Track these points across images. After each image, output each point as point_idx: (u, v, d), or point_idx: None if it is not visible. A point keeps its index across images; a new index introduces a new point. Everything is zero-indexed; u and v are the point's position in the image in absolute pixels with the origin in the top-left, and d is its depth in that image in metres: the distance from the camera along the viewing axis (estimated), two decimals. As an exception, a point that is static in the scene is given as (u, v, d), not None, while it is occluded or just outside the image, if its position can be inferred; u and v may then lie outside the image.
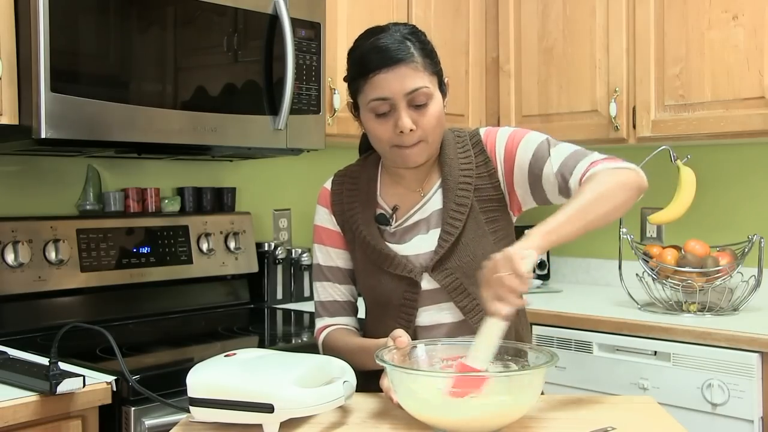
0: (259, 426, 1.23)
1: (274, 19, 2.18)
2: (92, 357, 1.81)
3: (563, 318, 2.47)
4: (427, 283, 1.53)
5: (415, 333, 1.52)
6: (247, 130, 2.15)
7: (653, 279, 2.47)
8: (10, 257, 2.08)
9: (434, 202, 1.56)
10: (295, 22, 2.21)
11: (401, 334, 1.37)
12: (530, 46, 2.91)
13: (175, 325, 2.35)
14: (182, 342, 2.15)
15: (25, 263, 2.10)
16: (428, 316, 1.54)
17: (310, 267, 2.74)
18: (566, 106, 2.81)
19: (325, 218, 1.65)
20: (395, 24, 1.55)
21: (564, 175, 1.47)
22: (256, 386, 1.23)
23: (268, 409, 1.20)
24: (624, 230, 2.54)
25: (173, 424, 1.35)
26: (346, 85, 1.57)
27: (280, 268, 2.73)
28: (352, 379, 1.32)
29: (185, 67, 2.06)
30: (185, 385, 1.27)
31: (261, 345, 2.10)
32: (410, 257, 1.54)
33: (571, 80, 2.80)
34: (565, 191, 1.48)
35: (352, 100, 1.57)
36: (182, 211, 2.53)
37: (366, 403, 1.37)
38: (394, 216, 1.58)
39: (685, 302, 2.41)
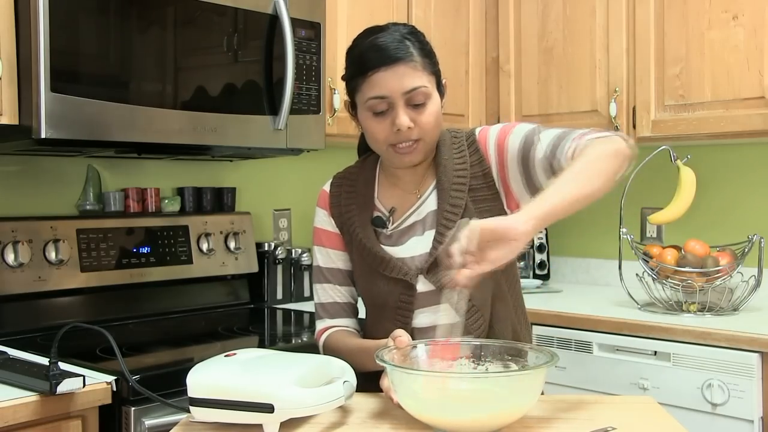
0: (259, 426, 1.23)
1: (274, 19, 2.18)
2: (92, 357, 1.81)
3: (563, 318, 2.47)
4: (422, 285, 1.53)
5: (412, 335, 1.51)
6: (247, 130, 2.15)
7: (653, 279, 2.47)
8: (10, 257, 2.08)
9: (429, 203, 1.56)
10: (295, 22, 2.21)
11: (401, 334, 1.37)
12: (530, 46, 2.91)
13: (175, 325, 2.35)
14: (182, 342, 2.15)
15: (25, 263, 2.10)
16: (424, 317, 1.54)
17: (310, 267, 2.74)
18: (566, 106, 2.81)
19: (324, 220, 1.65)
20: (394, 24, 1.55)
21: (553, 156, 1.45)
22: (256, 386, 1.23)
23: (268, 409, 1.20)
24: (624, 230, 2.54)
25: (173, 424, 1.35)
26: (344, 84, 1.57)
27: (280, 268, 2.73)
28: (352, 379, 1.32)
29: (185, 67, 2.06)
30: (185, 385, 1.27)
31: (261, 345, 2.10)
32: (406, 260, 1.54)
33: (571, 80, 2.80)
34: (554, 170, 1.45)
35: (349, 99, 1.56)
36: (182, 211, 2.53)
37: (366, 403, 1.37)
38: (390, 218, 1.59)
39: (685, 302, 2.41)
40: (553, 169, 1.46)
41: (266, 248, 2.69)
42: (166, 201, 2.49)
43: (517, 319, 1.59)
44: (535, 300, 2.68)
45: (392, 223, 1.58)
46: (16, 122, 1.81)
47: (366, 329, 1.65)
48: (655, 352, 2.27)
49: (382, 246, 1.56)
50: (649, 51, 2.61)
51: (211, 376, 1.27)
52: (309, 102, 2.29)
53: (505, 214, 1.55)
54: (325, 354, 1.59)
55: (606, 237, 3.01)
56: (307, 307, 2.64)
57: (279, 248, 2.71)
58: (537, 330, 2.48)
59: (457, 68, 2.91)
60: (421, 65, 1.48)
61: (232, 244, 2.56)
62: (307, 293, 2.79)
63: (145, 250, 2.36)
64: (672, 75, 2.56)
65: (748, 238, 2.43)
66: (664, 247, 2.53)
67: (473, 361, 1.36)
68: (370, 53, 1.47)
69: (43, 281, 2.14)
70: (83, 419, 1.60)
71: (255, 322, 2.45)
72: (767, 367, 2.09)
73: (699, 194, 2.50)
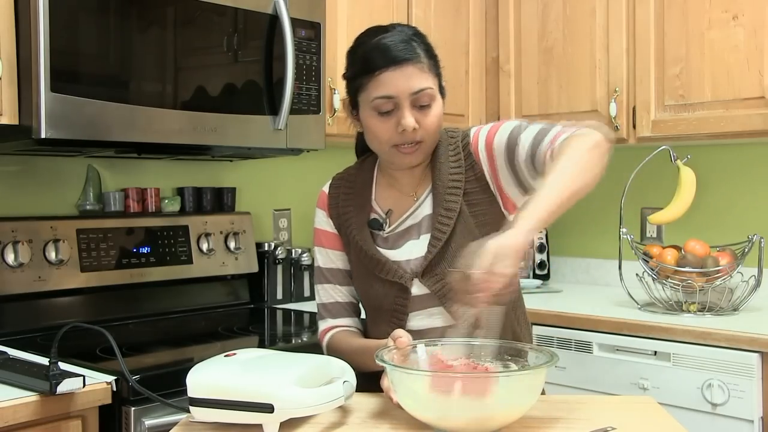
0: (259, 426, 1.23)
1: (274, 19, 2.18)
2: (92, 357, 1.81)
3: (563, 318, 2.47)
4: (417, 289, 1.53)
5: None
6: (247, 130, 2.15)
7: (653, 279, 2.47)
8: (10, 257, 2.08)
9: (425, 207, 1.56)
10: (295, 22, 2.21)
11: (402, 335, 1.37)
12: (530, 46, 2.91)
13: (175, 325, 2.35)
14: (182, 342, 2.15)
15: (25, 263, 2.10)
16: (419, 321, 1.53)
17: (309, 267, 2.74)
18: (566, 106, 2.81)
19: (323, 221, 1.65)
20: (399, 24, 1.54)
21: (534, 156, 1.44)
22: (256, 386, 1.23)
23: (268, 409, 1.20)
24: (624, 230, 2.54)
25: (173, 424, 1.35)
26: (344, 83, 1.56)
27: (280, 268, 2.73)
28: (352, 379, 1.32)
29: (185, 67, 2.06)
30: (185, 385, 1.27)
31: (261, 345, 2.10)
32: (401, 263, 1.54)
33: (571, 80, 2.80)
34: (537, 172, 1.45)
35: (349, 98, 1.55)
36: (182, 211, 2.53)
37: (366, 403, 1.37)
38: (387, 221, 1.58)
39: (685, 302, 2.41)
40: (536, 170, 1.45)
41: (266, 248, 2.69)
42: (166, 201, 2.49)
43: (516, 320, 1.59)
44: (535, 300, 2.68)
45: (389, 226, 1.58)
46: (16, 122, 1.81)
47: (366, 330, 1.65)
48: (655, 352, 2.27)
49: (378, 248, 1.56)
50: (649, 51, 2.61)
51: (211, 376, 1.27)
52: (309, 102, 2.29)
53: (503, 216, 1.55)
54: (328, 354, 1.59)
55: (606, 237, 3.01)
56: (307, 307, 2.64)
57: (279, 248, 2.71)
58: (537, 330, 2.48)
59: (457, 68, 2.91)
60: (428, 66, 1.48)
61: (232, 244, 2.56)
62: (307, 293, 2.79)
63: (145, 250, 2.36)
64: (672, 75, 2.56)
65: (748, 238, 2.43)
66: (664, 247, 2.53)
67: (473, 361, 1.36)
68: (377, 52, 1.47)
69: (43, 281, 2.14)
70: (83, 419, 1.60)
71: (255, 322, 2.45)
72: (767, 367, 2.09)
73: (699, 194, 2.50)
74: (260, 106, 2.18)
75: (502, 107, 2.99)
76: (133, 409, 1.63)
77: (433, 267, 1.51)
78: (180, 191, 2.56)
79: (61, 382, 1.50)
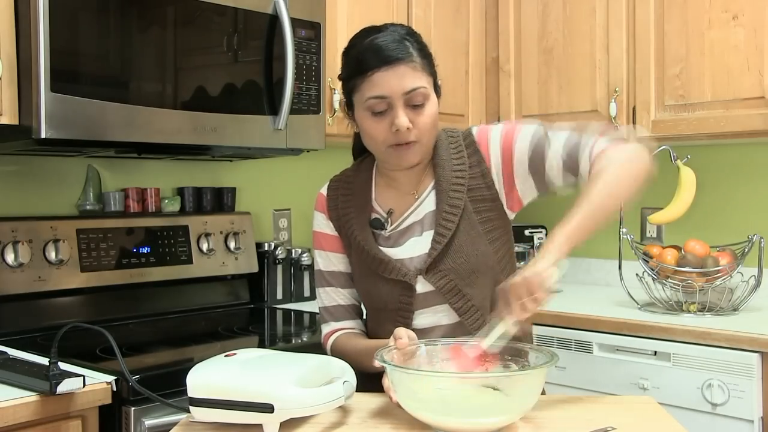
0: (259, 426, 1.23)
1: (274, 19, 2.18)
2: (92, 357, 1.81)
3: (563, 318, 2.47)
4: (421, 286, 1.53)
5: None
6: (247, 130, 2.15)
7: (653, 279, 2.47)
8: (10, 257, 2.08)
9: (428, 203, 1.56)
10: (295, 22, 2.21)
11: (402, 335, 1.37)
12: (530, 46, 2.91)
13: (175, 325, 2.35)
14: (182, 342, 2.15)
15: (25, 263, 2.10)
16: (424, 318, 1.54)
17: (309, 267, 2.74)
18: (566, 106, 2.81)
19: (322, 224, 1.65)
20: (392, 24, 1.54)
21: (571, 158, 1.47)
22: (256, 386, 1.23)
23: (268, 409, 1.20)
24: (624, 230, 2.54)
25: (173, 424, 1.35)
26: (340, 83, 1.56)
27: (280, 268, 2.73)
28: (352, 379, 1.32)
29: (185, 67, 2.06)
30: (185, 385, 1.27)
31: (261, 345, 2.10)
32: (405, 261, 1.54)
33: (571, 80, 2.80)
34: (574, 174, 1.48)
35: (345, 99, 1.56)
36: (182, 211, 2.53)
37: (366, 403, 1.37)
38: (389, 220, 1.58)
39: (685, 302, 2.41)
40: (567, 168, 1.48)
41: (266, 248, 2.69)
42: (166, 201, 2.49)
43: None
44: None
45: (390, 225, 1.58)
46: (16, 122, 1.81)
47: (369, 331, 1.64)
48: (655, 352, 2.27)
49: (381, 248, 1.56)
50: (649, 51, 2.61)
51: (211, 376, 1.27)
52: (309, 102, 2.29)
53: (505, 214, 1.56)
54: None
55: (606, 237, 2.99)
56: (307, 307, 2.64)
57: (279, 248, 2.71)
58: (537, 330, 2.48)
59: (457, 68, 2.91)
60: (421, 66, 1.48)
61: (232, 244, 2.56)
62: (307, 293, 2.79)
63: (145, 250, 2.36)
64: (672, 75, 2.56)
65: (748, 238, 2.43)
66: (664, 247, 2.53)
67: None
68: (370, 53, 1.47)
69: (43, 281, 2.14)
70: (83, 419, 1.60)
71: (255, 322, 2.45)
72: (767, 367, 2.09)
73: (699, 194, 2.50)
74: (260, 106, 2.18)
75: (502, 107, 2.99)
76: (133, 409, 1.63)
77: (437, 263, 1.51)
78: (180, 191, 2.56)
79: (61, 382, 1.50)
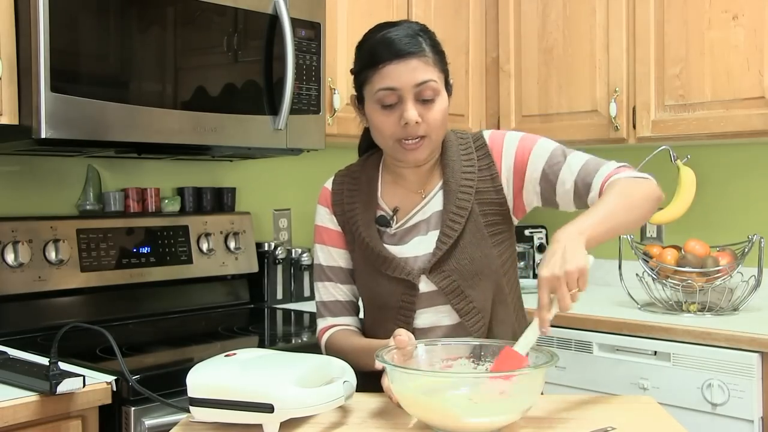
0: (259, 426, 1.23)
1: (274, 19, 2.18)
2: (92, 357, 1.81)
3: (563, 318, 2.46)
4: (424, 286, 1.53)
5: (413, 335, 1.51)
6: (247, 130, 2.15)
7: (653, 279, 2.47)
8: (10, 257, 2.08)
9: (435, 203, 1.56)
10: (295, 22, 2.21)
11: (401, 334, 1.36)
12: (530, 46, 2.91)
13: (175, 325, 2.35)
14: (182, 342, 2.15)
15: (25, 263, 2.10)
16: (426, 318, 1.54)
17: (310, 267, 2.74)
18: (566, 106, 2.81)
19: (325, 218, 1.64)
20: (407, 20, 1.56)
21: (584, 179, 1.48)
22: (256, 386, 1.23)
23: (268, 409, 1.20)
24: (624, 230, 2.53)
25: (173, 424, 1.35)
26: (351, 79, 1.56)
27: (280, 268, 2.73)
28: (352, 379, 1.32)
29: (185, 67, 2.06)
30: (185, 385, 1.27)
31: (261, 345, 2.10)
32: (408, 259, 1.54)
33: (571, 80, 2.80)
34: (582, 195, 1.49)
35: (356, 93, 1.56)
36: (182, 211, 2.53)
37: (366, 403, 1.37)
38: (394, 218, 1.58)
39: (685, 302, 2.41)
40: (576, 194, 1.49)
41: (266, 248, 2.69)
42: (166, 201, 2.49)
43: (517, 323, 1.59)
44: (535, 300, 2.67)
45: (396, 223, 1.58)
46: (16, 122, 1.81)
47: (366, 330, 1.64)
48: (655, 352, 2.27)
49: (385, 245, 1.56)
50: (649, 51, 2.61)
51: (211, 376, 1.27)
52: (309, 102, 2.29)
53: (510, 219, 1.58)
54: (327, 353, 1.59)
55: (606, 237, 3.01)
56: (307, 307, 2.64)
57: (279, 248, 2.71)
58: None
59: (457, 68, 2.91)
60: (433, 61, 1.49)
61: (232, 244, 2.56)
62: (307, 293, 2.79)
63: (145, 250, 2.36)
64: (672, 75, 2.56)
65: (748, 238, 2.43)
66: (664, 247, 2.53)
67: (473, 361, 1.36)
68: (382, 46, 1.47)
69: (43, 281, 2.14)
70: (83, 419, 1.60)
71: (255, 322, 2.45)
72: (767, 367, 2.09)
73: (699, 194, 2.50)
74: (260, 106, 2.18)
75: (502, 107, 2.99)
76: (133, 409, 1.63)
77: (441, 264, 1.51)
78: (180, 191, 2.56)
79: (61, 382, 1.50)
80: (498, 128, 2.95)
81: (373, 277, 1.57)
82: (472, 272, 1.51)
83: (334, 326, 1.63)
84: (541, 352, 1.30)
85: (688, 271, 2.39)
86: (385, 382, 1.34)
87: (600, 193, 1.45)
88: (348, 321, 1.64)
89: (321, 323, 1.65)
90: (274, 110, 2.19)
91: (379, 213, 1.59)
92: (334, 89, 2.44)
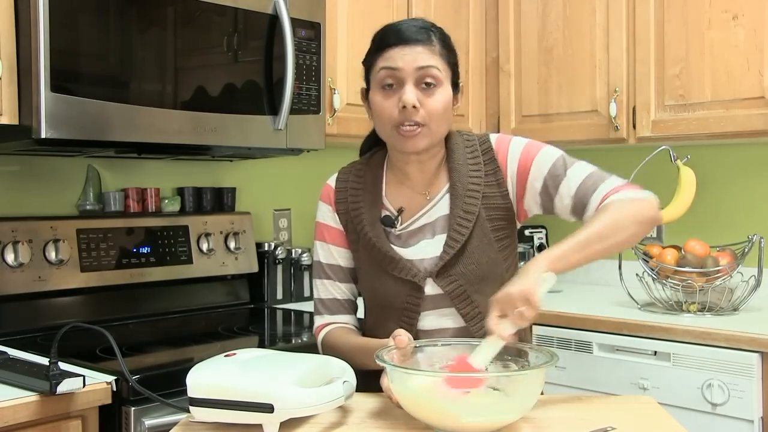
0: (259, 426, 1.23)
1: (274, 19, 2.18)
2: (92, 357, 1.81)
3: (563, 318, 2.47)
4: (430, 289, 1.52)
5: (416, 337, 1.51)
6: (247, 130, 2.15)
7: (653, 279, 2.46)
8: (10, 257, 2.08)
9: (441, 207, 1.55)
10: (295, 22, 2.21)
11: (401, 333, 1.36)
12: (530, 46, 2.91)
13: (175, 325, 2.35)
14: (182, 342, 2.15)
15: (25, 263, 2.10)
16: (430, 321, 1.54)
17: (310, 267, 2.74)
18: (566, 106, 2.81)
19: (327, 216, 1.64)
20: (422, 18, 1.57)
21: (581, 199, 1.48)
22: (256, 386, 1.23)
23: (268, 409, 1.20)
24: (624, 230, 2.53)
25: (173, 424, 1.35)
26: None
27: (280, 268, 2.73)
28: (352, 379, 1.32)
29: (185, 67, 2.06)
30: (185, 385, 1.26)
31: (261, 345, 2.10)
32: (415, 261, 1.54)
33: (571, 80, 2.80)
34: (579, 213, 1.49)
35: (365, 83, 1.56)
36: (182, 211, 2.53)
37: (366, 403, 1.37)
38: (399, 218, 1.58)
39: (685, 302, 2.41)
40: (574, 209, 1.50)
41: (266, 248, 2.69)
42: (166, 201, 2.49)
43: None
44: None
45: (401, 224, 1.57)
46: (16, 122, 1.81)
47: (367, 328, 1.64)
48: (655, 352, 2.27)
49: (392, 246, 1.56)
50: (649, 51, 2.61)
51: (211, 376, 1.27)
52: (309, 102, 2.29)
53: (514, 223, 1.58)
54: (323, 350, 1.59)
55: (606, 237, 3.01)
56: (307, 307, 2.64)
57: (279, 248, 2.71)
58: (537, 330, 2.48)
59: (457, 68, 2.91)
60: (439, 52, 1.49)
61: (232, 244, 2.56)
62: (307, 293, 2.79)
63: (145, 250, 2.36)
64: (672, 75, 2.56)
65: (748, 238, 2.43)
66: (664, 247, 2.53)
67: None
68: (391, 32, 1.50)
69: (43, 281, 2.14)
70: (83, 419, 1.60)
71: (255, 322, 2.45)
72: (767, 367, 2.09)
73: (699, 194, 2.50)
74: (260, 106, 2.18)
75: (502, 107, 2.99)
76: (133, 409, 1.63)
77: (448, 268, 1.51)
78: (180, 191, 2.56)
79: (61, 382, 1.50)
80: (498, 128, 2.96)
81: (378, 277, 1.56)
82: (478, 277, 1.51)
83: (331, 324, 1.63)
84: (541, 352, 1.30)
85: (688, 271, 2.39)
86: (385, 382, 1.34)
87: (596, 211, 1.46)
88: (345, 319, 1.64)
89: (318, 320, 1.65)
90: (274, 110, 2.20)
91: (384, 213, 1.58)
92: (334, 89, 2.44)
